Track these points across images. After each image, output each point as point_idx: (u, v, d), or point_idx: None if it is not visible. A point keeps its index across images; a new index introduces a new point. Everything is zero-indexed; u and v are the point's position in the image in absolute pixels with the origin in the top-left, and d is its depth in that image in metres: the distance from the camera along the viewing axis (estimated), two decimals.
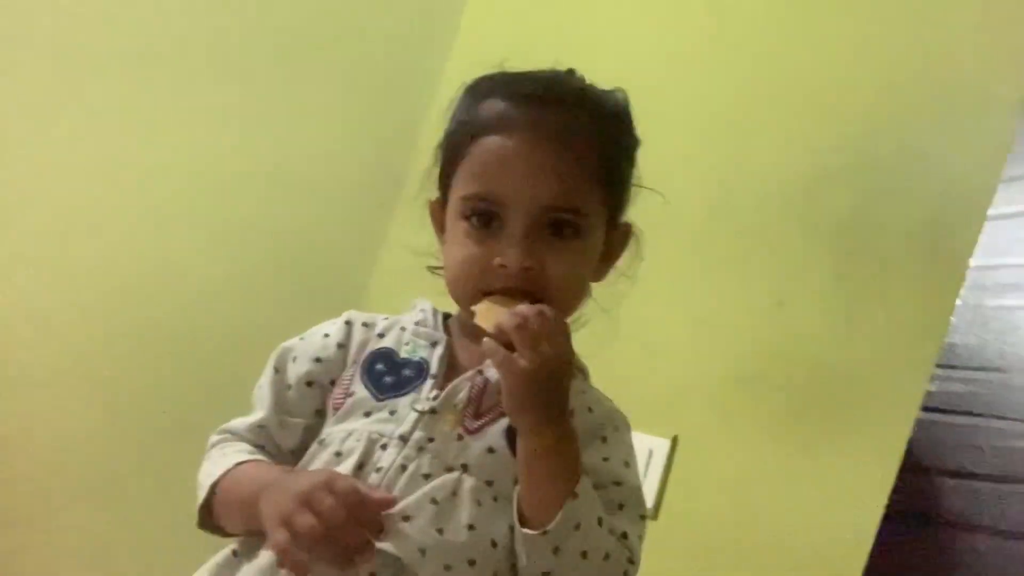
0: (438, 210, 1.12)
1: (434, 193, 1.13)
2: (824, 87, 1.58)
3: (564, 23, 2.07)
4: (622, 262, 1.14)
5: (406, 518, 0.95)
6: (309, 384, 1.08)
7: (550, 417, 0.95)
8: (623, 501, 1.02)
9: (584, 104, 1.08)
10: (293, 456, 1.07)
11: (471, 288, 1.04)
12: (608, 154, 1.07)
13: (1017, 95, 1.19)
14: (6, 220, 1.88)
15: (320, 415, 1.08)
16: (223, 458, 1.06)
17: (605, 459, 1.03)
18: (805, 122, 1.59)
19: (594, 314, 1.14)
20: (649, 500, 1.53)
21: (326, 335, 1.11)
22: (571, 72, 1.12)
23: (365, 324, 1.11)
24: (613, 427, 1.07)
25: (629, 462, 1.06)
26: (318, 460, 1.02)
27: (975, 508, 1.04)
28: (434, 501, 0.96)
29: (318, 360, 1.09)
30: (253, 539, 1.01)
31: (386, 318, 1.13)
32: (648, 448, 1.55)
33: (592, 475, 0.99)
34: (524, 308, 0.95)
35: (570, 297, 1.06)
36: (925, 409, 1.13)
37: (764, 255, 1.55)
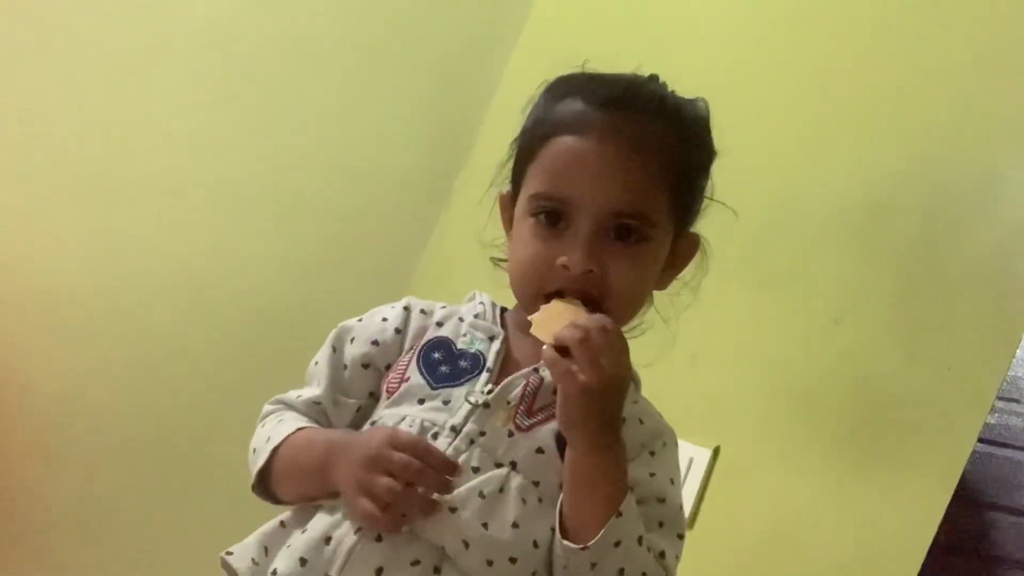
0: (508, 204, 1.12)
1: (505, 187, 1.13)
2: (898, 109, 1.54)
3: (634, 23, 2.05)
4: (687, 273, 1.13)
5: (453, 509, 0.96)
6: (365, 366, 1.09)
7: (603, 434, 0.95)
8: (664, 519, 1.02)
9: (663, 112, 1.07)
10: None
11: (533, 286, 1.04)
12: (682, 164, 1.07)
13: None
14: (72, 196, 1.92)
15: (373, 397, 1.08)
16: (280, 424, 1.07)
17: (652, 474, 1.03)
18: (876, 143, 1.55)
19: (653, 322, 1.14)
20: (687, 508, 1.50)
21: (384, 319, 1.12)
22: (653, 78, 1.11)
23: (423, 311, 1.12)
24: (662, 442, 1.07)
25: (675, 480, 1.06)
26: None
27: None
28: (481, 495, 0.97)
29: (375, 343, 1.09)
30: (302, 510, 1.02)
31: (444, 307, 1.13)
32: (689, 456, 1.53)
33: (637, 489, 1.00)
34: (586, 321, 0.95)
35: (630, 304, 1.06)
36: (982, 441, 1.10)
37: (824, 272, 1.52)
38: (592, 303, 1.02)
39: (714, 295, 1.60)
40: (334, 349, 1.11)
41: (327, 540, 0.97)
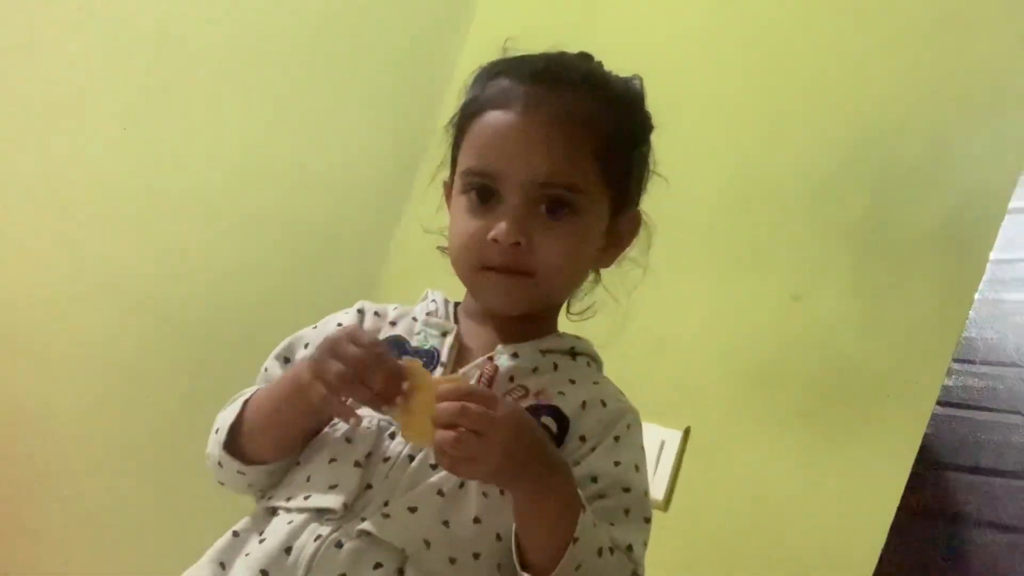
0: (449, 190, 1.12)
1: (447, 175, 1.13)
2: (845, 84, 1.57)
3: (582, 10, 2.07)
4: (634, 251, 1.12)
5: (412, 509, 0.94)
6: None
7: (534, 480, 0.91)
8: (630, 506, 1.00)
9: (587, 84, 1.07)
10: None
11: (470, 262, 1.04)
12: (610, 134, 1.06)
13: None
14: (33, 207, 1.90)
15: None
16: (241, 396, 1.07)
17: (617, 463, 1.01)
18: (825, 118, 1.58)
19: (606, 303, 1.14)
20: (660, 491, 1.52)
21: (339, 324, 1.10)
22: (583, 55, 1.11)
23: (377, 313, 1.11)
24: (626, 425, 1.05)
25: (639, 465, 1.04)
26: (329, 444, 1.01)
27: (990, 503, 1.04)
28: (440, 493, 0.96)
29: None
30: (256, 518, 1.01)
31: (397, 307, 1.12)
32: (660, 439, 1.55)
33: (601, 479, 0.99)
34: (442, 435, 0.89)
35: (560, 277, 1.05)
36: (941, 404, 1.12)
37: (782, 249, 1.55)
38: (523, 275, 1.01)
39: (677, 279, 1.62)
40: (286, 359, 1.09)
41: (287, 550, 0.95)
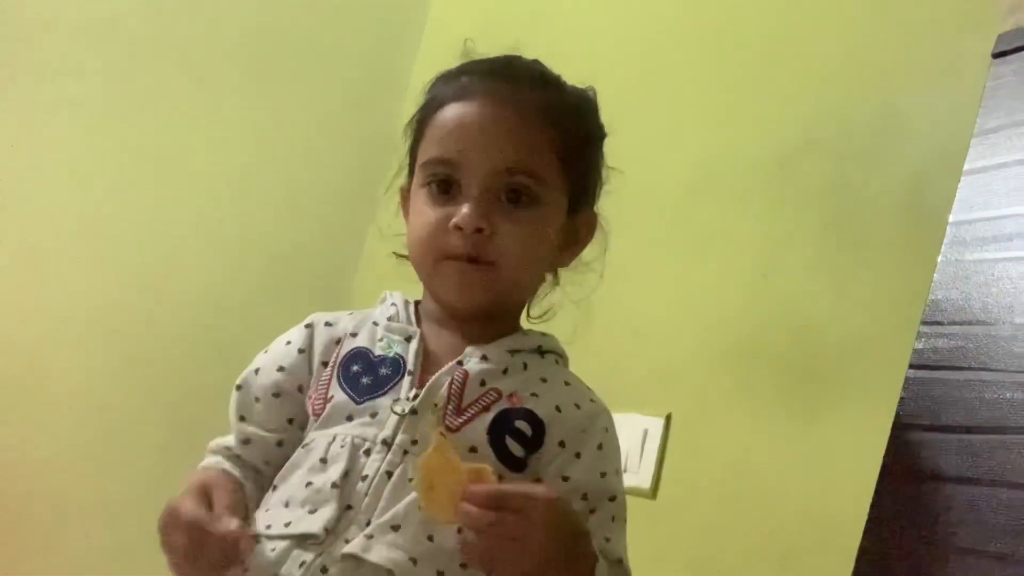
0: (406, 194, 1.12)
1: (404, 180, 1.14)
2: (798, 58, 1.58)
3: (537, 9, 2.08)
4: (589, 255, 1.13)
5: (395, 528, 0.94)
6: (276, 395, 1.07)
7: (564, 563, 0.92)
8: (615, 513, 1.02)
9: (547, 83, 1.09)
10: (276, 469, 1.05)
11: (431, 252, 1.04)
12: (570, 133, 1.07)
13: (986, 47, 1.19)
14: None
15: (295, 424, 1.06)
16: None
17: (603, 474, 1.02)
18: (779, 93, 1.59)
19: (565, 305, 1.14)
20: (647, 479, 1.53)
21: (288, 342, 1.10)
22: (536, 61, 1.13)
23: (328, 323, 1.10)
24: (604, 428, 1.05)
25: (619, 468, 1.06)
26: (304, 466, 1.00)
27: (969, 461, 1.05)
28: (421, 507, 0.94)
29: (281, 369, 1.07)
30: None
31: (351, 313, 1.11)
32: (643, 428, 1.56)
33: (591, 494, 1.00)
34: (472, 538, 0.90)
35: (521, 265, 1.05)
36: (914, 367, 1.13)
37: (746, 228, 1.56)
38: (484, 264, 1.02)
39: (647, 267, 1.64)
40: (239, 388, 1.09)
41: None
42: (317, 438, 1.01)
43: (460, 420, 0.99)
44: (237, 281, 2.12)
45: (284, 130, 2.18)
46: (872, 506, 1.10)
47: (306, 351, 1.08)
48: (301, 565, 0.93)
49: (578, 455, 1.01)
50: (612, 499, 1.02)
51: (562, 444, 1.01)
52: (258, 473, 1.06)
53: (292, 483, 1.00)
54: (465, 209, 1.01)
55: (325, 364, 1.06)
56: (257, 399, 1.07)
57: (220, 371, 1.95)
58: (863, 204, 1.42)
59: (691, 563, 1.46)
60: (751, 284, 1.51)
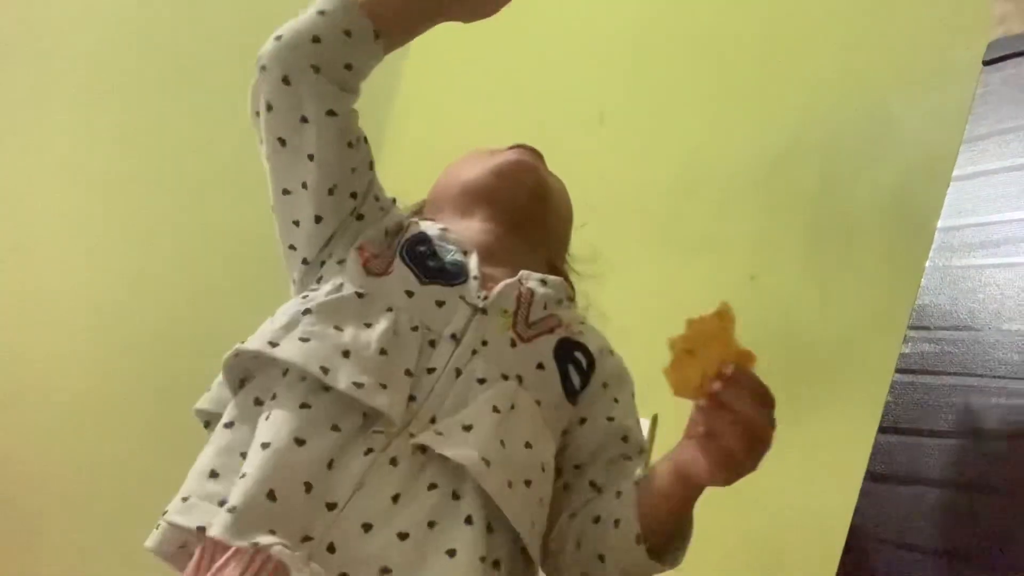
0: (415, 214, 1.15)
1: None
2: (789, 64, 1.59)
3: (529, 14, 2.07)
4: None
5: (467, 427, 0.88)
6: (377, 198, 1.04)
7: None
8: (643, 467, 1.02)
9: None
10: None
11: (490, 164, 1.09)
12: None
13: (976, 55, 1.20)
14: None
15: (334, 191, 0.99)
16: None
17: (637, 421, 1.04)
18: (769, 98, 1.60)
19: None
20: None
21: (378, 196, 1.05)
22: None
23: (394, 200, 1.08)
24: (631, 382, 1.08)
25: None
26: (365, 320, 0.91)
27: (953, 466, 1.05)
28: (496, 410, 0.90)
29: (377, 199, 1.03)
30: (247, 410, 0.91)
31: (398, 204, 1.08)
32: None
33: (630, 440, 1.01)
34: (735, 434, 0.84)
35: (561, 197, 1.14)
36: (900, 371, 1.13)
37: (735, 231, 1.57)
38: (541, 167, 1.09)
39: (634, 266, 1.64)
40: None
41: (330, 464, 0.84)
42: (373, 297, 0.93)
43: (530, 332, 0.97)
44: (226, 276, 2.12)
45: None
46: (856, 509, 1.10)
47: (385, 209, 1.03)
48: (368, 452, 0.86)
49: (616, 400, 1.02)
50: (641, 452, 1.03)
51: (605, 385, 1.02)
52: None
53: (352, 333, 0.89)
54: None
55: (386, 233, 1.01)
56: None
57: (210, 366, 1.96)
58: (852, 208, 1.43)
59: None
60: (739, 286, 1.51)
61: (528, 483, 0.89)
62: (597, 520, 0.94)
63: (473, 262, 1.00)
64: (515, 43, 2.01)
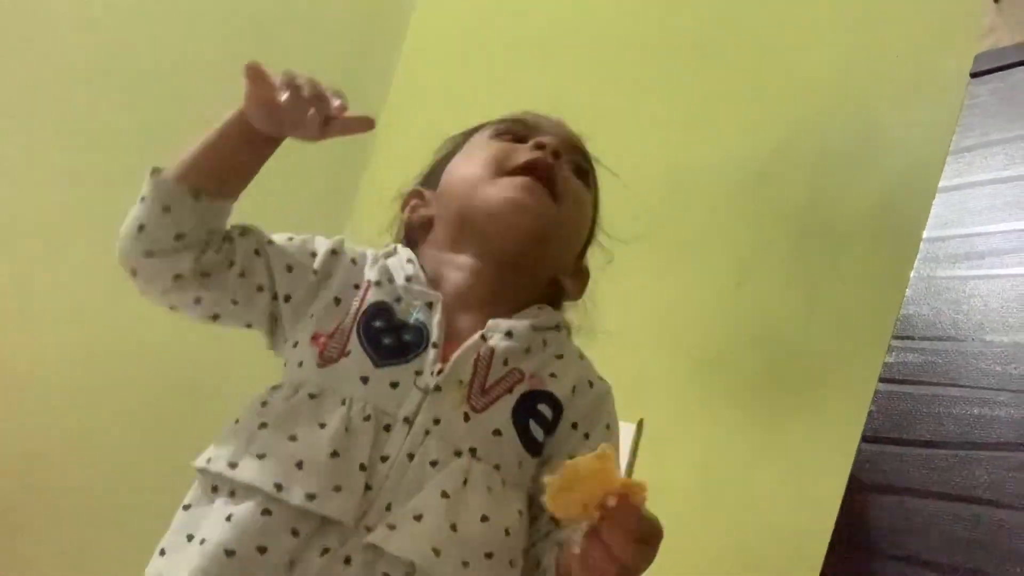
0: (417, 197, 1.13)
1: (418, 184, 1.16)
2: (777, 73, 1.59)
3: (515, 19, 2.08)
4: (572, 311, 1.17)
5: (418, 517, 0.89)
6: (289, 269, 1.03)
7: None
8: None
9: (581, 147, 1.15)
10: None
11: (494, 168, 1.04)
12: (596, 192, 1.15)
13: (964, 67, 1.20)
14: None
15: (261, 290, 1.02)
16: None
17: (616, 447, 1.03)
18: (757, 105, 1.60)
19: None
20: None
21: (313, 254, 1.05)
22: None
23: (353, 260, 1.06)
24: (611, 408, 1.07)
25: (618, 445, 1.07)
26: (315, 423, 0.92)
27: (934, 475, 1.06)
28: (445, 495, 0.90)
29: (289, 269, 1.03)
30: (204, 496, 0.93)
31: (375, 259, 1.06)
32: None
33: None
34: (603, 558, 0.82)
35: (573, 219, 1.08)
36: (883, 380, 1.14)
37: (721, 238, 1.57)
38: (548, 191, 1.03)
39: (624, 272, 1.63)
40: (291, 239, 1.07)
41: (290, 565, 0.87)
42: (327, 393, 0.94)
43: (485, 400, 0.96)
44: None
45: None
46: (838, 517, 1.10)
47: (319, 274, 1.03)
48: (324, 553, 0.88)
49: (587, 436, 1.01)
50: None
51: (575, 426, 1.01)
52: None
53: (306, 441, 0.91)
54: (548, 136, 1.04)
55: (338, 302, 1.01)
56: (271, 242, 1.04)
57: (193, 364, 1.96)
58: (838, 218, 1.43)
59: (657, 569, 1.47)
60: (725, 293, 1.52)
61: (489, 555, 0.90)
62: (559, 544, 0.95)
63: (436, 319, 0.99)
64: (500, 49, 2.02)
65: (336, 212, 2.21)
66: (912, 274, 1.18)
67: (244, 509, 0.89)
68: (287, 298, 1.02)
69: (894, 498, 1.07)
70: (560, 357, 1.04)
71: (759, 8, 1.67)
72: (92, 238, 1.97)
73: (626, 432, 1.56)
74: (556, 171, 1.03)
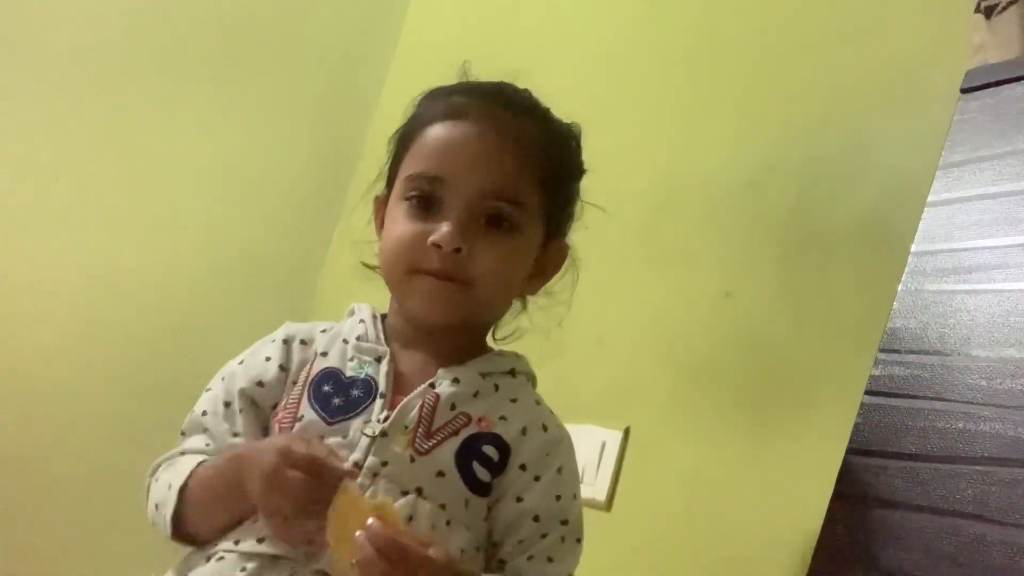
0: (382, 205, 1.12)
1: (381, 190, 1.14)
2: (766, 84, 1.60)
3: (505, 26, 2.08)
4: (558, 285, 1.15)
5: None
6: (254, 404, 1.06)
7: None
8: (566, 535, 1.03)
9: (535, 114, 1.11)
10: None
11: (404, 264, 1.04)
12: (553, 165, 1.09)
13: (954, 83, 1.21)
14: None
15: (262, 435, 1.05)
16: (176, 466, 1.04)
17: (558, 497, 1.03)
18: (749, 119, 1.61)
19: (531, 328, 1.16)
20: (603, 492, 1.54)
21: (268, 358, 1.09)
22: (527, 90, 1.14)
23: (303, 342, 1.09)
24: (566, 454, 1.07)
25: (576, 493, 1.06)
26: None
27: (919, 488, 1.06)
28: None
29: (260, 384, 1.07)
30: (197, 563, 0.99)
31: (324, 330, 1.11)
32: (601, 440, 1.57)
33: (543, 517, 1.01)
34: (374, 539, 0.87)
35: (494, 289, 1.06)
36: (869, 393, 1.14)
37: (711, 247, 1.57)
38: (459, 283, 1.02)
39: (613, 280, 1.65)
40: (227, 404, 1.08)
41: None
42: None
43: (429, 444, 1.00)
44: (200, 277, 2.11)
45: (254, 130, 2.17)
46: (822, 529, 1.11)
47: (286, 369, 1.07)
48: None
49: (537, 478, 1.02)
50: (564, 522, 1.03)
51: (523, 467, 1.02)
52: None
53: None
54: (445, 227, 1.01)
55: (295, 383, 1.06)
56: (228, 404, 1.06)
57: (181, 365, 1.95)
58: (827, 230, 1.44)
59: None
60: (714, 302, 1.52)
61: None
62: None
63: (383, 371, 1.03)
64: (490, 57, 2.02)
65: (327, 211, 2.21)
66: (900, 287, 1.18)
67: (200, 562, 0.97)
68: (274, 405, 1.06)
69: (878, 511, 1.07)
70: (514, 401, 1.06)
71: (750, 20, 1.68)
72: (79, 233, 1.99)
73: (612, 440, 1.57)
74: (463, 261, 1.02)
